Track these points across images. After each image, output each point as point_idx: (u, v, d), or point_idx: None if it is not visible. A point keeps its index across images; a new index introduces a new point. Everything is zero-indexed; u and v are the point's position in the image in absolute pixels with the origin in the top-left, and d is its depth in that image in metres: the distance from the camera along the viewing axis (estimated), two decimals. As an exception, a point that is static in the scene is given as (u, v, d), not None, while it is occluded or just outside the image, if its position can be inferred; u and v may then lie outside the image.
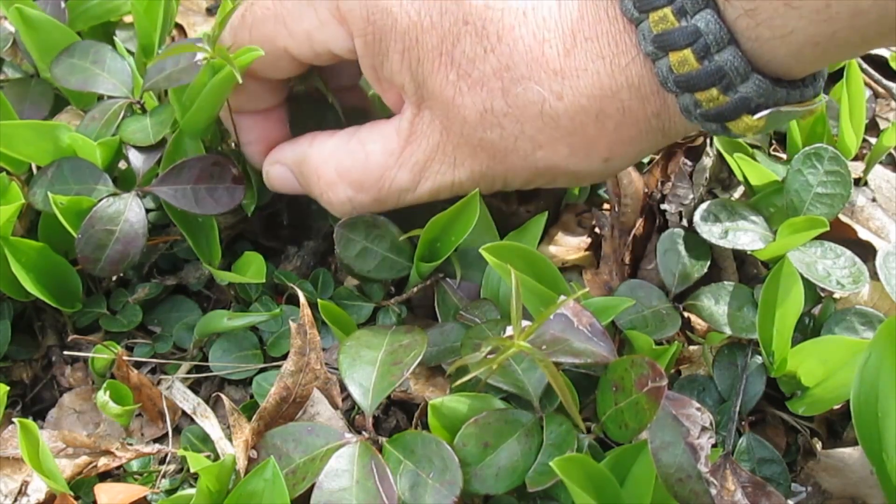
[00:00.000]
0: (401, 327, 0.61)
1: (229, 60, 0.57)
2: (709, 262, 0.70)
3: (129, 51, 0.75)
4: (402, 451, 0.53)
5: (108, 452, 0.62)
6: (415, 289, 0.67)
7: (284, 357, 0.61)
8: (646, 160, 0.79)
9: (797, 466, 0.64)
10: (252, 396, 0.65)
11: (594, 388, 0.56)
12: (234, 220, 0.74)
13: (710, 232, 0.69)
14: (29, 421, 0.56)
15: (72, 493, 0.58)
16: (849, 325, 0.65)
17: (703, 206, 0.70)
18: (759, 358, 0.64)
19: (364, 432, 0.55)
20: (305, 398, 0.60)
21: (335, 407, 0.60)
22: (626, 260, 0.72)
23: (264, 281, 0.66)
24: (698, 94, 0.50)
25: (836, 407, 0.64)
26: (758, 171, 0.72)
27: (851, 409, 0.53)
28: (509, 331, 0.53)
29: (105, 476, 0.62)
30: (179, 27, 0.92)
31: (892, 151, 0.82)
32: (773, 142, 0.80)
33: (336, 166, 0.61)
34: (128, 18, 0.81)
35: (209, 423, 0.63)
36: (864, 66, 0.77)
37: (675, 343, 0.63)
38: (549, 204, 0.78)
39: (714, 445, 0.52)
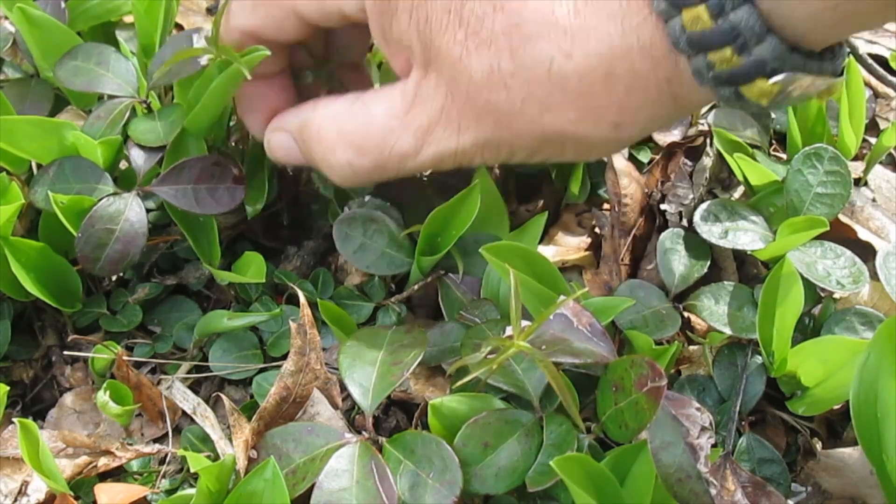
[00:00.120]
0: (401, 327, 0.61)
1: (235, 59, 0.57)
2: (709, 262, 0.70)
3: (129, 51, 0.75)
4: (402, 451, 0.53)
5: (108, 452, 0.62)
6: (416, 286, 0.67)
7: (284, 357, 0.61)
8: (646, 160, 0.79)
9: (797, 466, 0.64)
10: (252, 396, 0.65)
11: (594, 388, 0.56)
12: (235, 220, 0.74)
13: (710, 232, 0.69)
14: (29, 421, 0.56)
15: (72, 493, 0.58)
16: (849, 325, 0.65)
17: (703, 206, 0.70)
18: (759, 358, 0.64)
19: (364, 432, 0.55)
20: (305, 398, 0.60)
21: (335, 407, 0.60)
22: (626, 260, 0.72)
23: (264, 281, 0.66)
24: (711, 54, 0.48)
25: (835, 407, 0.64)
26: (758, 171, 0.72)
27: (851, 410, 0.53)
28: (509, 331, 0.53)
29: (105, 476, 0.62)
30: (179, 27, 0.92)
31: (892, 151, 0.82)
32: (773, 142, 0.80)
33: (338, 128, 0.59)
34: (128, 18, 0.81)
35: (209, 423, 0.63)
36: (870, 62, 0.77)
37: (675, 343, 0.63)
38: (549, 204, 0.78)
39: (714, 445, 0.52)
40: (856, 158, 0.78)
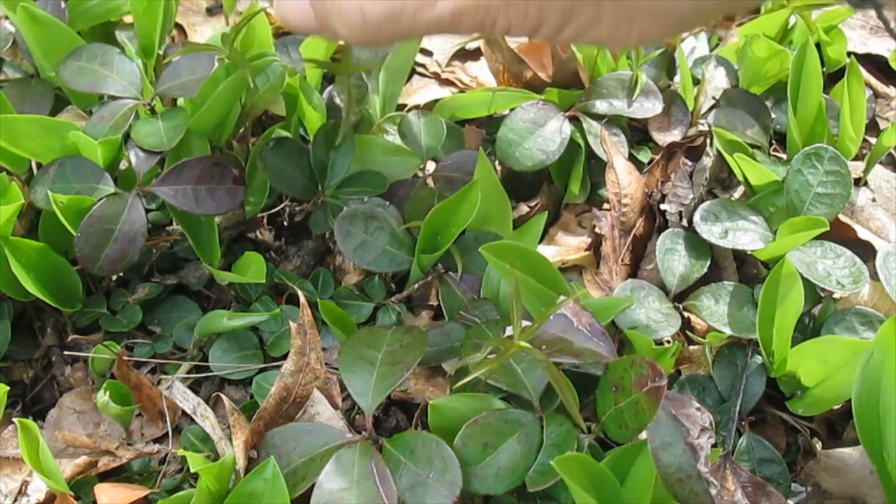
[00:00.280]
0: (401, 327, 0.61)
1: (244, 63, 0.57)
2: (709, 262, 0.70)
3: (133, 52, 0.75)
4: (402, 451, 0.53)
5: (108, 452, 0.62)
6: (416, 285, 0.67)
7: (284, 357, 0.61)
8: (646, 160, 0.79)
9: (797, 466, 0.64)
10: (252, 396, 0.65)
11: (594, 388, 0.56)
12: (235, 220, 0.74)
13: (710, 232, 0.69)
14: (29, 421, 0.56)
15: (72, 493, 0.58)
16: (849, 325, 0.65)
17: (703, 206, 0.70)
18: (759, 358, 0.64)
19: (364, 432, 0.55)
20: (305, 398, 0.60)
21: (335, 407, 0.60)
22: (626, 260, 0.72)
23: (264, 281, 0.66)
24: None
25: (836, 407, 0.64)
26: (758, 171, 0.72)
27: (853, 409, 0.54)
28: (509, 331, 0.53)
29: (105, 476, 0.62)
30: (179, 27, 0.92)
31: (892, 151, 0.82)
32: (773, 142, 0.80)
33: None
34: (128, 18, 0.81)
35: (209, 423, 0.62)
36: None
37: (675, 343, 0.63)
38: (549, 204, 0.78)
39: (714, 445, 0.52)
40: (856, 158, 0.78)
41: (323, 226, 0.72)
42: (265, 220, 0.76)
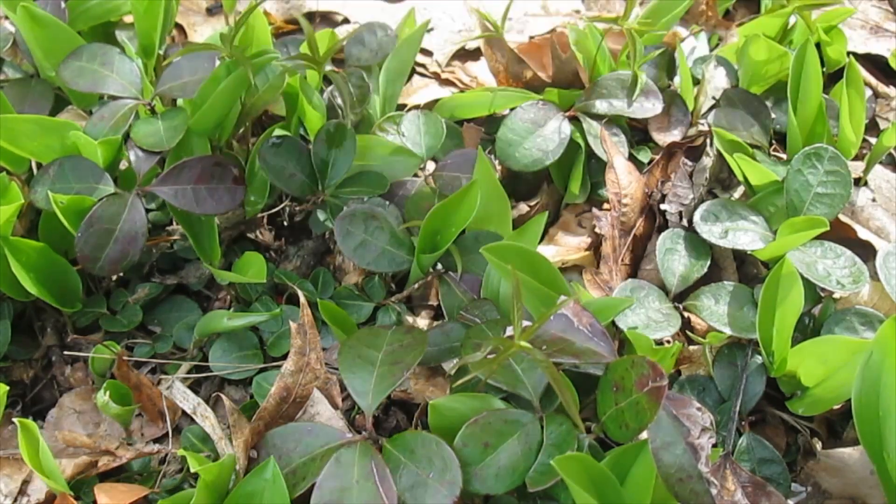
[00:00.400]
0: (400, 327, 0.61)
1: (245, 60, 0.57)
2: (709, 262, 0.70)
3: (133, 52, 0.75)
4: (402, 451, 0.53)
5: (108, 452, 0.62)
6: (416, 285, 0.67)
7: (284, 357, 0.61)
8: (646, 160, 0.79)
9: (797, 466, 0.64)
10: (252, 396, 0.65)
11: (594, 388, 0.56)
12: (235, 220, 0.74)
13: (710, 232, 0.69)
14: (29, 421, 0.56)
15: (72, 493, 0.58)
16: (849, 325, 0.65)
17: (703, 206, 0.70)
18: (759, 358, 0.64)
19: (364, 432, 0.55)
20: (305, 398, 0.60)
21: (335, 407, 0.60)
22: (626, 260, 0.72)
23: (264, 281, 0.66)
24: None
25: (836, 407, 0.64)
26: (758, 171, 0.72)
27: (853, 408, 0.54)
28: (509, 331, 0.53)
29: (105, 476, 0.62)
30: (179, 27, 0.92)
31: (892, 151, 0.82)
32: (773, 142, 0.80)
33: None
34: (128, 18, 0.81)
35: (209, 423, 0.62)
36: None
37: (675, 343, 0.63)
38: (549, 204, 0.78)
39: (714, 445, 0.52)
40: (856, 158, 0.78)
41: (323, 226, 0.72)
42: (265, 220, 0.76)
